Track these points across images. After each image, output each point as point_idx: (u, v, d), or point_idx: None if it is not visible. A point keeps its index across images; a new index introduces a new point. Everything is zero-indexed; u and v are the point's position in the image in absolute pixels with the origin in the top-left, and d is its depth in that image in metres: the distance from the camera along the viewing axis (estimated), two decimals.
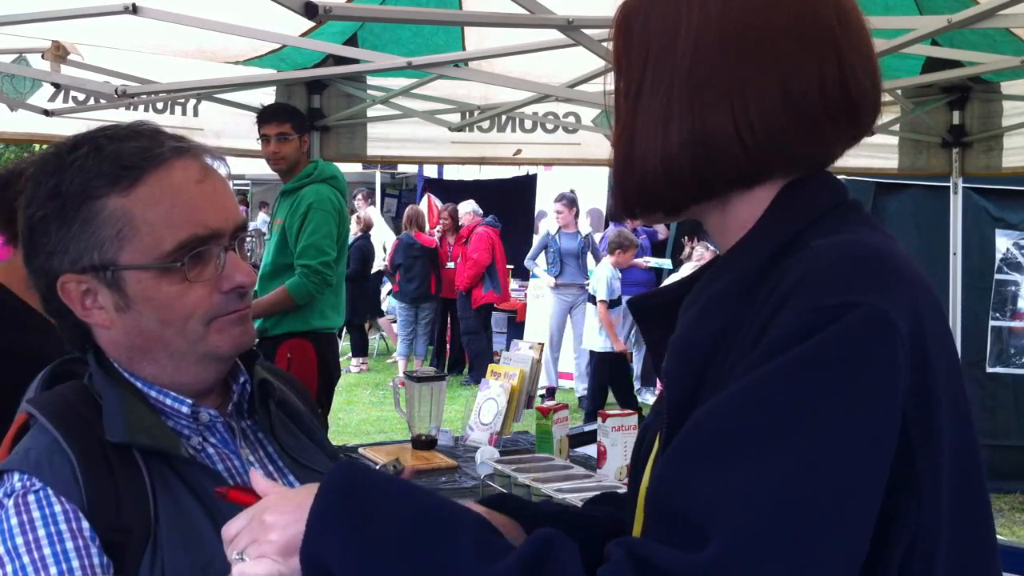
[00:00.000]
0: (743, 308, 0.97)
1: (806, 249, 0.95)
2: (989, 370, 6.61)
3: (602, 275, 8.48)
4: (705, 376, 0.98)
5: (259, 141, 4.53)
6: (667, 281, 8.90)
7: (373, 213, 12.80)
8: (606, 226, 10.27)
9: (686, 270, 8.71)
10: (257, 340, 4.82)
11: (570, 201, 9.45)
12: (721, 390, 0.94)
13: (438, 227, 11.64)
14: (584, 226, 10.10)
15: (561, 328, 9.58)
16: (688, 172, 1.01)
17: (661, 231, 10.47)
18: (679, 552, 0.83)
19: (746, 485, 0.83)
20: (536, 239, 10.10)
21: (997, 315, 6.62)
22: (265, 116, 4.50)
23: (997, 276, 6.59)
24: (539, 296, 10.55)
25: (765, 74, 0.98)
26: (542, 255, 9.64)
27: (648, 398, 9.30)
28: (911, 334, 0.88)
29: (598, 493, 1.44)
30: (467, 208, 11.14)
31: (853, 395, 0.86)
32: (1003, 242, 6.57)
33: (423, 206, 12.72)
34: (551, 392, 9.30)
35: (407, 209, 11.58)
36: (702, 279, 1.08)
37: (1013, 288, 6.61)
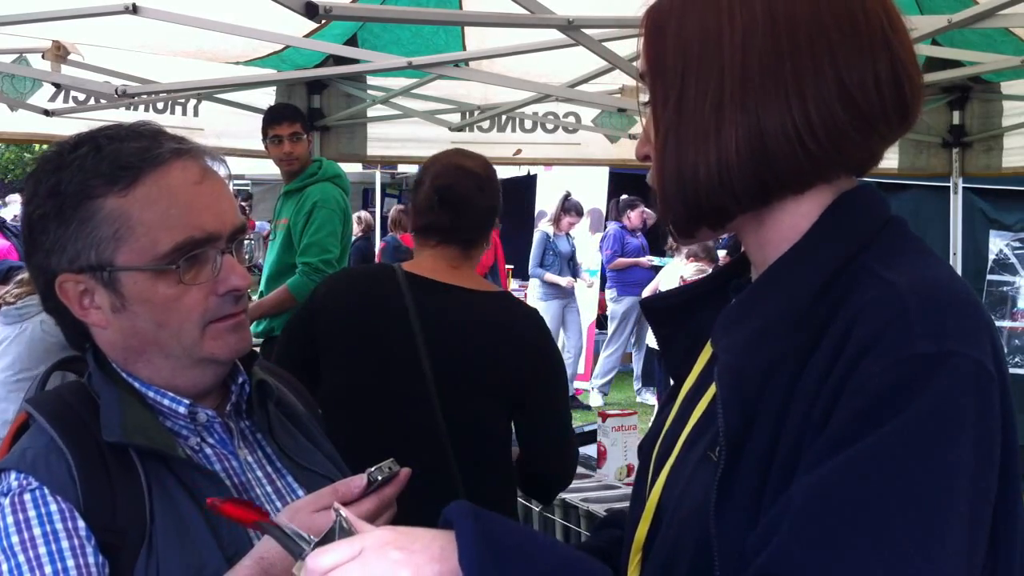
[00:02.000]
0: (798, 337, 0.93)
1: (880, 283, 0.91)
2: None
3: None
4: (760, 408, 0.94)
5: (269, 141, 4.48)
6: (662, 273, 8.94)
7: None
8: (604, 227, 10.27)
9: (678, 261, 8.75)
10: (263, 340, 4.77)
11: (578, 210, 9.57)
12: (792, 431, 0.91)
13: None
14: (582, 228, 10.10)
15: (559, 328, 9.60)
16: (747, 176, 0.96)
17: None
18: None
19: (883, 568, 0.81)
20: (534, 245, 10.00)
21: (993, 315, 6.63)
22: (276, 117, 4.46)
23: (989, 276, 6.59)
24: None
25: (822, 70, 0.94)
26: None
27: (648, 397, 9.31)
28: (999, 378, 0.88)
29: (606, 515, 1.40)
30: None
31: (976, 461, 0.84)
32: (996, 243, 6.58)
33: None
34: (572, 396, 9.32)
35: (391, 211, 11.53)
36: (744, 294, 1.02)
37: (1005, 288, 6.61)
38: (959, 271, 5.10)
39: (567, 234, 9.60)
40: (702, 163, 0.97)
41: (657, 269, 9.81)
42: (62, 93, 4.20)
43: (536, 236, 9.66)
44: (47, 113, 4.04)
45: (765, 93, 0.95)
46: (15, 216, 11.45)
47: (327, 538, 0.95)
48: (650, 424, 1.22)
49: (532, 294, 10.69)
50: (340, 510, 0.97)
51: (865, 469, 0.83)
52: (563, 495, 2.69)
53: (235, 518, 1.03)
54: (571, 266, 9.58)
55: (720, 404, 0.96)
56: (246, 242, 1.79)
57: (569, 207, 9.53)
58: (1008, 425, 0.89)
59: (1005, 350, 6.39)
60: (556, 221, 9.60)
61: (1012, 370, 6.57)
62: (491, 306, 2.38)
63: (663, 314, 1.17)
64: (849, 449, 0.84)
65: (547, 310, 9.53)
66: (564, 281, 9.47)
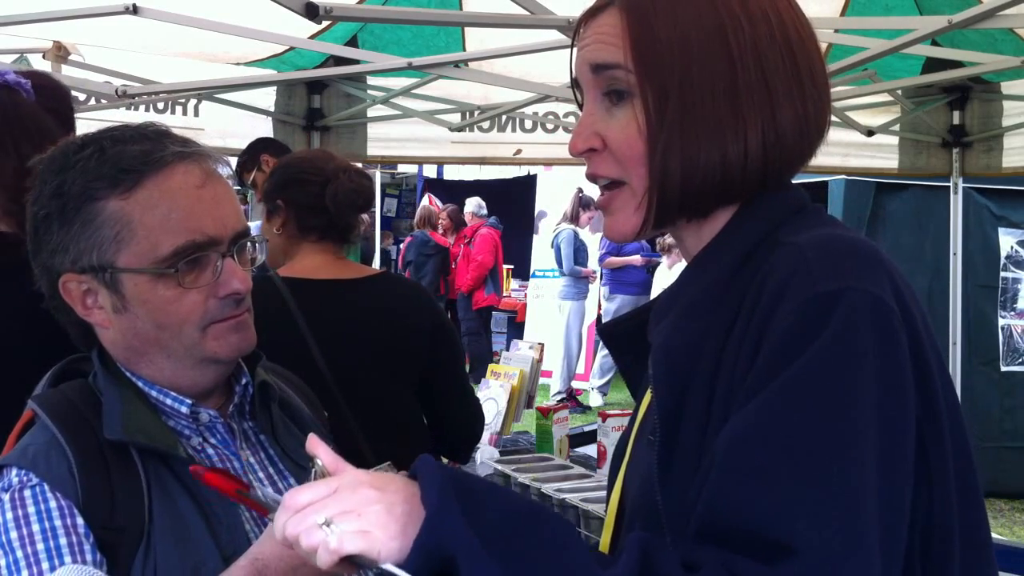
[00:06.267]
0: (721, 310, 0.99)
1: (786, 246, 0.97)
2: (1004, 369, 6.57)
3: None
4: (691, 382, 0.98)
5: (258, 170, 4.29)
6: (655, 283, 8.92)
7: None
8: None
9: (664, 268, 8.70)
10: None
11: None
12: (721, 394, 0.95)
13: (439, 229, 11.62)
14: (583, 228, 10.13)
15: (583, 330, 9.64)
16: (758, 167, 1.02)
17: None
18: (766, 567, 0.85)
19: (809, 493, 0.86)
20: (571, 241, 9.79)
21: (1005, 314, 6.61)
22: (244, 167, 4.03)
23: (1003, 274, 6.58)
24: (539, 296, 10.54)
25: (814, 69, 1.03)
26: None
27: None
28: (902, 314, 0.93)
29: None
30: (470, 207, 11.12)
31: (880, 381, 0.89)
32: (1007, 240, 6.56)
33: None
34: (571, 395, 9.29)
35: (420, 208, 11.65)
36: (670, 286, 1.10)
37: (1018, 286, 6.60)
38: (960, 270, 5.10)
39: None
40: (717, 154, 1.00)
41: (652, 268, 9.82)
42: None
43: (563, 235, 9.54)
44: None
45: (779, 89, 1.01)
46: None
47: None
48: None
49: (531, 292, 10.70)
50: (316, 458, 0.99)
51: (775, 410, 0.89)
52: (563, 495, 2.68)
53: (216, 487, 1.05)
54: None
55: (652, 382, 1.01)
56: (258, 244, 1.81)
57: (586, 202, 9.57)
58: (921, 357, 0.93)
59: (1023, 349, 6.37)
60: (575, 218, 9.58)
61: (1014, 368, 6.57)
62: (376, 290, 2.46)
63: (621, 340, 1.20)
64: (763, 393, 0.90)
65: (575, 311, 9.48)
66: (587, 271, 9.47)
